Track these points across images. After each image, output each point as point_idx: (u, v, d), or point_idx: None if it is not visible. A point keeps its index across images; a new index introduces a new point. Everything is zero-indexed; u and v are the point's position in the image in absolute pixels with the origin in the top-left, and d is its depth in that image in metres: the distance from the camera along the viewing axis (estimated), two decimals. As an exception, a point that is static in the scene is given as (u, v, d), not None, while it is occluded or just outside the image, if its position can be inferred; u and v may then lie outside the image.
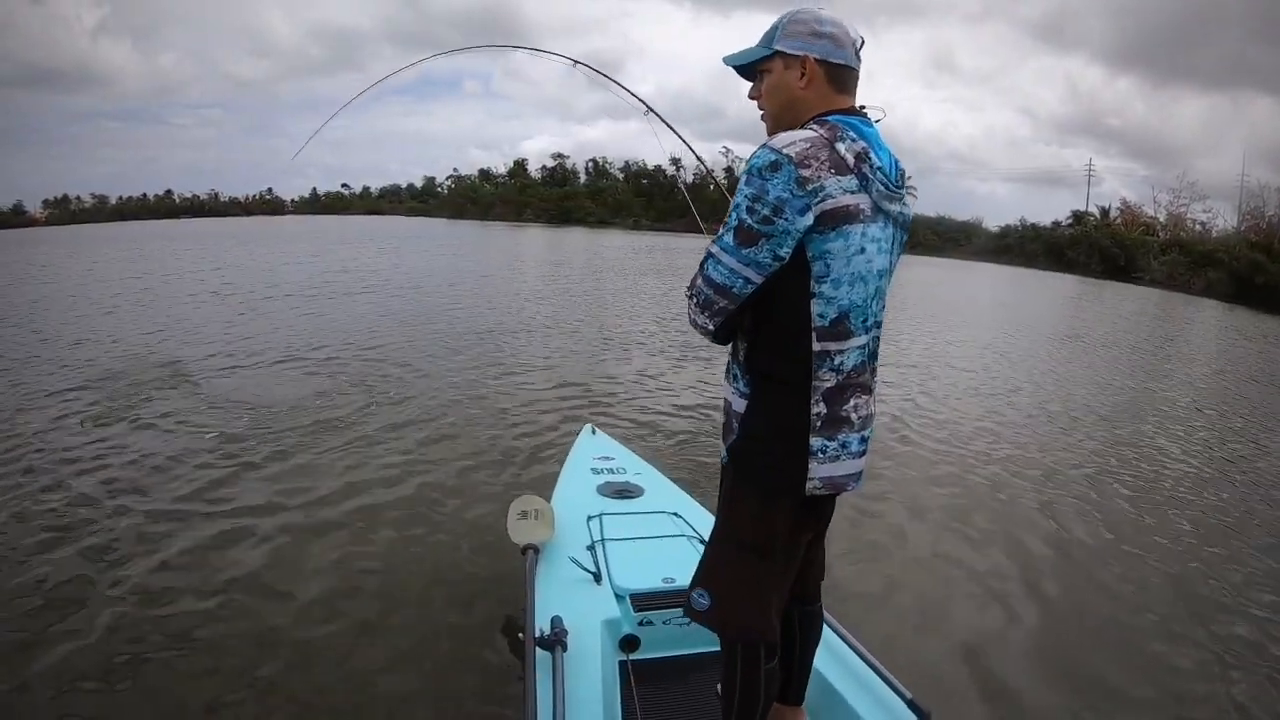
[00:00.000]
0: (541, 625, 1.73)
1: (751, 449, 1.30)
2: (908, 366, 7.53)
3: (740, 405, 1.30)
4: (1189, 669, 2.56)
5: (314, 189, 79.07)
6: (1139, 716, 2.31)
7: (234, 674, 2.20)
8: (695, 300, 1.27)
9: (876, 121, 1.28)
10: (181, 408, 4.85)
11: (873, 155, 1.20)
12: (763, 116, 1.34)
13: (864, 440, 1.31)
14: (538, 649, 1.66)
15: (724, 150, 52.76)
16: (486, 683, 2.20)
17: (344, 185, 78.90)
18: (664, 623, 1.88)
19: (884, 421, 5.06)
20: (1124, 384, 7.83)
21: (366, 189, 77.54)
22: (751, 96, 1.35)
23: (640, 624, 1.86)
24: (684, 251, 24.76)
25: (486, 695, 2.15)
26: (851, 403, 1.27)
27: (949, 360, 8.25)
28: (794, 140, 1.17)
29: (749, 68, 1.34)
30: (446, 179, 69.68)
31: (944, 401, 6.19)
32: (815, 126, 1.21)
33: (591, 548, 2.16)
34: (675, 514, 2.40)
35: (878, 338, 1.33)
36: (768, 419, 1.28)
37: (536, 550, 2.13)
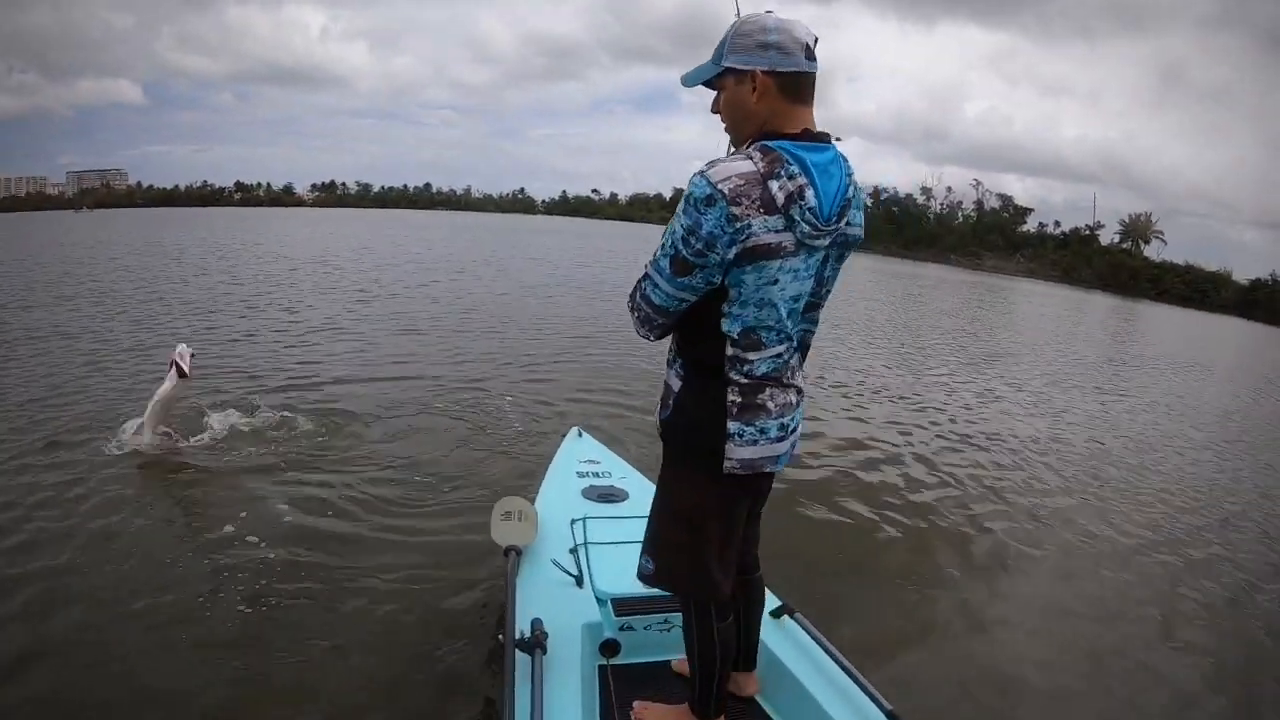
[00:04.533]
0: (521, 627, 1.72)
1: (679, 427, 1.41)
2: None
3: (676, 385, 1.41)
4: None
5: (564, 191, 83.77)
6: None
7: (210, 672, 2.17)
8: (636, 315, 1.38)
9: (837, 140, 1.28)
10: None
11: (808, 194, 1.20)
12: (726, 129, 1.35)
13: (784, 428, 1.38)
14: (517, 651, 1.65)
15: (974, 183, 53.79)
16: (465, 684, 2.18)
17: (594, 190, 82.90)
18: (645, 628, 1.87)
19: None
20: None
21: (615, 195, 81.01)
22: (714, 111, 1.35)
23: (621, 628, 1.86)
24: (929, 280, 24.43)
25: (464, 697, 2.13)
26: (768, 392, 1.34)
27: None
28: (729, 175, 1.19)
29: (710, 83, 1.33)
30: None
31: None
32: (757, 156, 1.21)
33: (574, 551, 2.15)
34: (659, 519, 2.39)
35: (805, 344, 1.42)
36: (694, 401, 1.37)
37: (519, 552, 2.12)
